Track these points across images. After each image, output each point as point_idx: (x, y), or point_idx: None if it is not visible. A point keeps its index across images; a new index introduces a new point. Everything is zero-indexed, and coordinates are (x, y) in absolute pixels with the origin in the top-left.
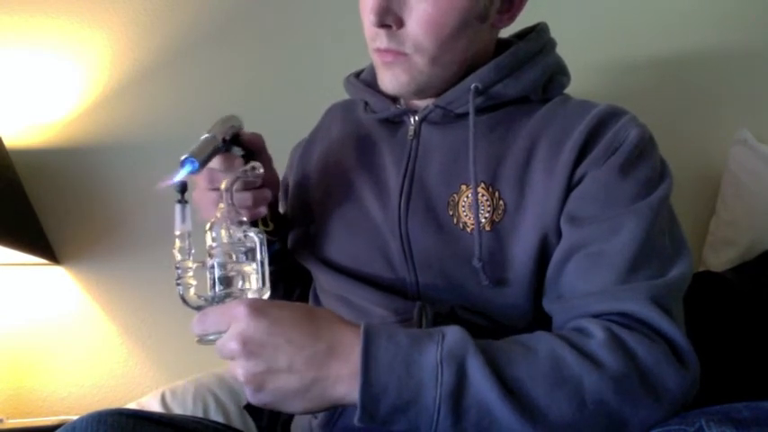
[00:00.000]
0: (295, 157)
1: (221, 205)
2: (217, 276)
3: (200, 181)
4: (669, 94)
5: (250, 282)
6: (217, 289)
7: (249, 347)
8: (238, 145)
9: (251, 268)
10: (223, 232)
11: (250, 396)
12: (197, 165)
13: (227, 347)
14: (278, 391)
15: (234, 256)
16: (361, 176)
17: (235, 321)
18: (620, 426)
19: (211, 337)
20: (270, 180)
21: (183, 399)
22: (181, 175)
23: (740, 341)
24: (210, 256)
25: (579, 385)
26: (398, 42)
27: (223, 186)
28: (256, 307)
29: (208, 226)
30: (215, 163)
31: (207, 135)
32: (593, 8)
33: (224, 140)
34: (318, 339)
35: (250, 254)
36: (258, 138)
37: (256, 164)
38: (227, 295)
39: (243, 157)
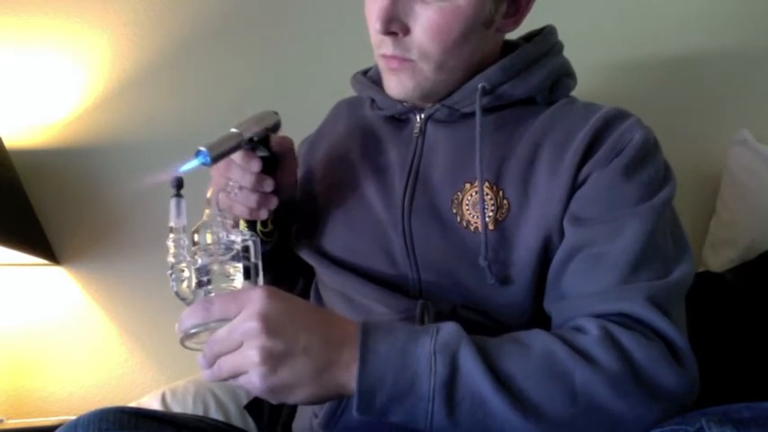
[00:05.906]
0: (301, 153)
1: (207, 210)
2: (200, 278)
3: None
4: (669, 94)
5: (234, 283)
6: (201, 289)
7: (271, 325)
8: (266, 146)
9: (234, 269)
10: (208, 236)
11: (259, 380)
12: (209, 160)
13: (242, 327)
14: (292, 373)
15: (217, 258)
16: (365, 173)
17: (250, 303)
18: (616, 423)
19: (194, 331)
20: (287, 185)
21: (183, 399)
22: (190, 165)
23: (740, 341)
24: (195, 255)
25: (571, 380)
26: (404, 49)
27: (209, 195)
28: (272, 291)
29: (194, 228)
30: (235, 156)
31: (233, 130)
32: (593, 10)
33: (250, 140)
34: (331, 324)
35: (236, 256)
36: (286, 142)
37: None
38: (209, 293)
39: (266, 158)
